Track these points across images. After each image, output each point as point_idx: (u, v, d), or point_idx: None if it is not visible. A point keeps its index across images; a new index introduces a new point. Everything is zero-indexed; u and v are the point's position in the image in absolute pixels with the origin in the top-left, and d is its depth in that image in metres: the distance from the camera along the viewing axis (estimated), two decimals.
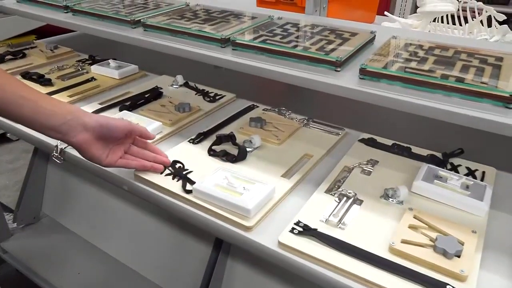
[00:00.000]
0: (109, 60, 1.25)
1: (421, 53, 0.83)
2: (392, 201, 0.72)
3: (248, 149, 0.85)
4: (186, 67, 1.26)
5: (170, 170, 0.79)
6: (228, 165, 0.81)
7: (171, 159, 0.81)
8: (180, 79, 1.16)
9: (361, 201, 0.72)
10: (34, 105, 0.65)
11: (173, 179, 0.77)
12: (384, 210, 0.70)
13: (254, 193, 0.70)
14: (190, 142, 0.88)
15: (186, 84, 1.16)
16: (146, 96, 1.08)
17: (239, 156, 0.82)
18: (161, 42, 0.98)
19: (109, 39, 1.09)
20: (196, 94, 1.11)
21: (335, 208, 0.70)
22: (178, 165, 0.80)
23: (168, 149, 0.86)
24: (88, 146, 0.70)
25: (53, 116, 0.66)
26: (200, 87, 1.14)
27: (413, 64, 0.77)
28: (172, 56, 0.99)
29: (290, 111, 1.01)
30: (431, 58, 0.80)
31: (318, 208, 0.70)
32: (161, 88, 1.13)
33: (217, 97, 1.09)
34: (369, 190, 0.74)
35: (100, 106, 1.02)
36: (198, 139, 0.89)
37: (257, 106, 1.06)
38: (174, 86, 1.16)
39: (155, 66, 1.30)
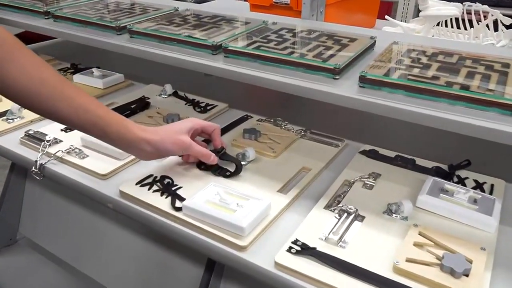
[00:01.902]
0: (92, 69, 1.25)
1: (424, 60, 0.84)
2: (396, 217, 0.72)
3: (242, 163, 0.85)
4: (175, 75, 1.27)
5: (158, 186, 0.79)
6: (221, 180, 0.81)
7: (159, 174, 0.82)
8: (168, 88, 1.17)
9: (363, 217, 0.72)
10: (103, 132, 0.72)
11: (161, 195, 0.77)
12: (388, 227, 0.70)
13: (249, 210, 0.70)
14: (180, 156, 0.89)
15: (175, 94, 1.17)
16: (133, 106, 1.08)
17: (236, 171, 0.82)
18: (149, 50, 0.98)
19: (93, 47, 1.10)
20: (186, 104, 1.12)
21: (335, 225, 0.70)
22: (166, 180, 0.80)
23: (156, 164, 0.86)
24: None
25: (117, 144, 0.75)
26: (190, 96, 1.15)
27: (415, 71, 0.78)
28: (160, 64, 1.00)
29: (286, 122, 1.02)
30: (434, 65, 0.81)
31: (317, 225, 0.70)
32: (149, 98, 1.14)
33: (209, 107, 1.09)
34: (371, 206, 0.75)
35: None
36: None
37: (251, 117, 1.06)
38: (163, 95, 1.16)
39: (142, 75, 1.31)
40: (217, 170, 0.83)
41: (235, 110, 1.11)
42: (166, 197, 0.76)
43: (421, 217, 0.72)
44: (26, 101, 0.68)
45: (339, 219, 0.71)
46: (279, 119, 1.03)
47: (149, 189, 0.78)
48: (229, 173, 0.82)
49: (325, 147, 0.93)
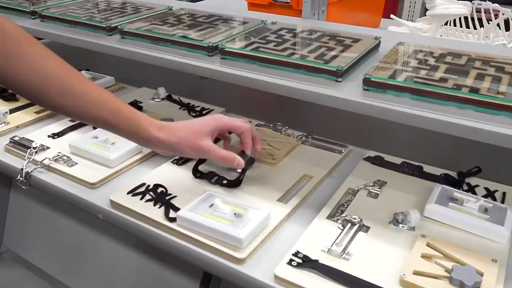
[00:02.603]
0: (81, 71, 1.26)
1: (431, 61, 0.84)
2: (403, 227, 0.72)
3: (239, 170, 0.86)
4: (169, 78, 1.27)
5: (150, 196, 0.79)
6: (217, 188, 0.82)
7: (151, 183, 0.82)
8: (162, 91, 1.17)
9: (368, 228, 0.72)
10: (115, 128, 0.72)
11: (154, 205, 0.77)
12: (394, 238, 0.70)
13: (247, 221, 0.70)
14: (174, 163, 0.89)
15: (169, 98, 1.17)
16: None
17: (236, 182, 0.82)
18: (141, 51, 0.99)
19: (82, 48, 1.11)
20: (180, 108, 1.12)
21: (338, 236, 0.70)
22: (160, 189, 0.81)
23: (148, 172, 0.86)
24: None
25: (131, 140, 0.74)
26: (185, 100, 1.15)
27: (422, 73, 0.78)
28: (153, 67, 1.00)
29: (286, 127, 1.02)
30: (442, 66, 0.81)
31: (319, 236, 0.70)
32: (141, 102, 1.14)
33: (204, 112, 1.10)
34: (376, 215, 0.75)
35: (71, 124, 1.03)
36: (183, 159, 0.90)
37: (249, 122, 1.06)
38: (156, 99, 1.17)
39: (134, 78, 1.32)
40: (213, 178, 0.83)
41: (233, 114, 1.11)
42: (159, 207, 0.76)
43: (429, 227, 0.73)
44: (34, 96, 0.68)
45: (342, 230, 0.71)
46: (279, 124, 1.03)
47: (141, 199, 0.78)
48: (226, 182, 0.82)
49: (328, 154, 0.93)
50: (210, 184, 0.83)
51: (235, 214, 0.72)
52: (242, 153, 0.81)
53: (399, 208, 0.75)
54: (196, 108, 1.11)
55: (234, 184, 0.82)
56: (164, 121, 0.76)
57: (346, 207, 0.77)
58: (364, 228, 0.72)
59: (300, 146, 0.96)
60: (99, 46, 1.06)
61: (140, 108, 1.10)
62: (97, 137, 0.91)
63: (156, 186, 0.81)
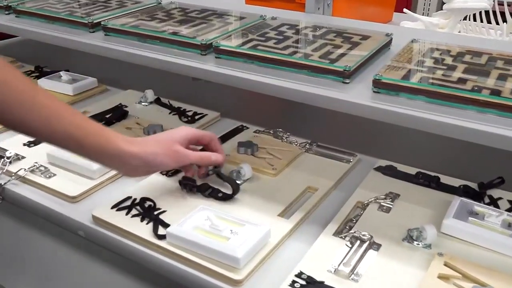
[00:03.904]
0: (60, 72, 1.26)
1: (448, 60, 0.85)
2: (417, 244, 0.73)
3: (236, 182, 0.86)
4: (157, 80, 1.28)
5: (137, 210, 0.79)
6: (211, 202, 0.82)
7: (138, 196, 0.82)
8: (150, 94, 1.18)
9: (379, 246, 0.73)
10: (79, 145, 0.71)
11: (141, 221, 0.77)
12: (408, 256, 0.71)
13: (245, 238, 0.70)
14: (163, 174, 0.89)
15: (157, 101, 1.18)
16: (108, 116, 1.09)
17: (232, 194, 0.82)
18: (126, 50, 0.99)
19: (61, 46, 1.11)
20: (170, 113, 1.13)
21: (346, 255, 0.70)
22: (147, 203, 0.81)
23: (135, 184, 0.86)
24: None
25: (97, 159, 0.74)
26: (175, 104, 1.16)
27: (439, 74, 0.79)
28: (140, 67, 1.01)
29: (288, 133, 1.03)
30: (460, 66, 0.82)
31: (325, 255, 0.70)
32: (126, 106, 1.15)
33: (197, 117, 1.10)
34: (388, 231, 0.75)
35: None
36: (172, 170, 0.90)
37: (247, 127, 1.07)
38: (143, 103, 1.17)
39: (119, 79, 1.32)
40: (207, 191, 0.83)
41: (228, 119, 1.12)
42: (147, 223, 0.77)
43: (446, 245, 0.73)
44: None
45: (351, 248, 0.72)
46: (280, 130, 1.04)
47: (127, 214, 0.79)
48: (222, 195, 0.83)
49: (334, 163, 0.94)
50: (203, 197, 0.83)
51: (231, 230, 0.72)
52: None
53: (413, 223, 0.76)
54: (187, 113, 1.12)
55: (233, 195, 0.82)
56: (132, 137, 0.76)
57: (355, 222, 0.78)
58: (374, 246, 0.72)
59: (304, 154, 0.96)
60: (80, 44, 1.06)
61: (125, 113, 1.10)
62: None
63: (144, 199, 0.81)
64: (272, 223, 0.76)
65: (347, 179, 0.91)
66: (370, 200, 0.82)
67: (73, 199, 0.83)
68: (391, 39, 0.97)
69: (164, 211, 0.79)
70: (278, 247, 0.74)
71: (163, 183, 0.87)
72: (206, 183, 0.85)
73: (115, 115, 1.09)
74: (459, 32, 1.50)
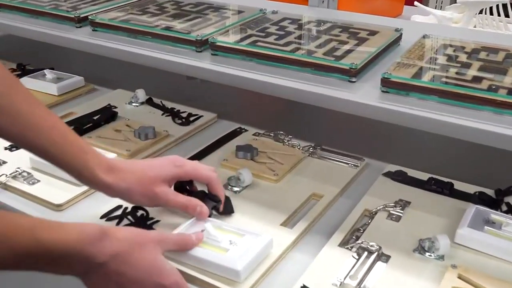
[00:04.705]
0: (44, 71, 1.27)
1: (463, 57, 0.86)
2: (430, 255, 0.73)
3: (235, 189, 0.86)
4: (149, 78, 1.28)
5: (129, 220, 0.79)
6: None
7: (129, 206, 0.81)
8: (141, 94, 1.18)
9: (388, 257, 0.73)
10: (55, 162, 0.71)
11: None
12: (419, 269, 0.71)
13: (245, 249, 0.70)
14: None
15: (149, 101, 1.18)
16: (95, 118, 1.09)
17: (225, 210, 0.81)
18: (116, 46, 1.00)
19: (45, 42, 1.11)
20: (163, 114, 1.13)
21: (353, 267, 0.70)
22: (140, 212, 0.81)
23: None
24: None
25: (78, 180, 0.73)
26: (169, 104, 1.16)
27: (452, 72, 0.79)
28: (130, 65, 1.01)
29: (290, 136, 1.03)
30: (475, 64, 0.82)
31: (330, 267, 0.70)
32: (115, 107, 1.15)
33: (192, 118, 1.11)
34: (398, 242, 0.76)
35: None
36: None
37: (246, 130, 1.07)
38: (133, 104, 1.17)
39: (108, 78, 1.32)
40: (203, 199, 0.81)
41: (226, 121, 1.12)
42: None
43: (461, 256, 0.73)
44: None
45: (357, 259, 0.72)
46: (281, 132, 1.04)
47: (117, 224, 0.79)
48: (214, 206, 0.80)
49: (340, 168, 0.94)
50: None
51: (230, 241, 0.72)
52: (205, 197, 0.80)
53: (425, 233, 0.76)
54: (181, 114, 1.12)
55: (228, 211, 0.81)
56: (117, 160, 0.77)
57: (362, 232, 0.78)
58: (383, 257, 0.73)
59: (307, 159, 0.97)
60: (66, 40, 1.06)
61: (114, 114, 1.11)
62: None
63: (135, 208, 0.81)
64: (275, 232, 0.76)
65: (354, 185, 0.91)
66: (378, 208, 0.82)
67: (58, 207, 0.83)
68: (401, 34, 0.97)
69: (157, 221, 0.79)
70: (281, 258, 0.74)
71: None
72: (203, 190, 0.83)
73: (103, 117, 1.09)
74: (475, 27, 1.50)
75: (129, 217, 0.80)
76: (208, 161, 0.95)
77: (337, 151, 0.98)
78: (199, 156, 0.96)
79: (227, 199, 0.82)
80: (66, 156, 0.71)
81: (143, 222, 0.79)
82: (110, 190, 0.74)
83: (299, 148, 0.99)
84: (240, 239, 0.72)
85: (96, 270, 0.61)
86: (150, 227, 0.78)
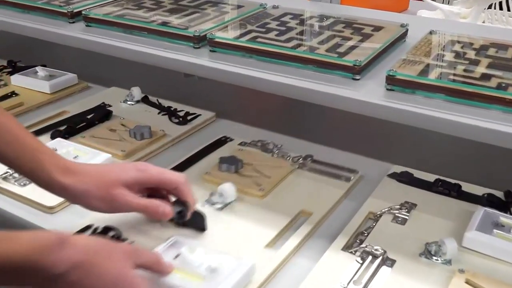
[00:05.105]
0: (36, 68, 1.27)
1: (471, 54, 0.86)
2: (436, 260, 0.73)
3: (217, 206, 0.83)
4: (145, 76, 1.28)
5: None
6: (186, 231, 0.78)
7: (101, 224, 0.78)
8: (136, 92, 1.18)
9: (393, 261, 0.73)
10: (13, 166, 0.72)
11: None
12: (425, 273, 0.71)
13: (223, 276, 0.67)
14: None
15: (145, 100, 1.18)
16: (89, 117, 1.09)
17: (194, 224, 0.78)
18: (110, 42, 1.00)
19: (37, 38, 1.11)
20: (159, 113, 1.13)
21: (356, 272, 0.70)
22: (111, 233, 0.77)
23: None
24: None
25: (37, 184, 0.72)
26: (165, 103, 1.16)
27: (460, 70, 0.79)
28: (125, 62, 1.01)
29: (279, 145, 1.00)
30: (484, 61, 0.82)
31: (332, 272, 0.71)
32: (110, 106, 1.15)
33: (189, 117, 1.11)
34: (403, 246, 0.76)
35: None
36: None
37: (231, 139, 1.04)
38: (129, 102, 1.17)
39: (102, 75, 1.32)
40: (178, 215, 0.77)
41: (224, 120, 1.12)
42: None
43: (468, 260, 0.73)
44: None
45: (362, 264, 0.72)
46: (269, 142, 1.01)
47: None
48: (180, 211, 0.76)
49: (332, 182, 0.91)
50: (177, 225, 0.79)
51: (209, 267, 0.68)
52: (175, 203, 0.76)
53: (431, 236, 0.76)
54: (179, 113, 1.12)
55: (198, 226, 0.79)
56: (75, 163, 0.75)
57: (367, 235, 0.78)
58: (388, 261, 0.73)
59: (296, 172, 0.94)
60: (59, 36, 1.06)
61: (109, 113, 1.11)
62: (56, 149, 0.92)
63: (107, 228, 0.78)
64: (258, 256, 0.73)
65: (358, 187, 0.91)
66: (383, 210, 0.83)
67: (50, 210, 0.83)
68: (407, 30, 0.97)
69: (131, 242, 0.76)
70: (265, 285, 0.71)
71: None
72: (182, 208, 0.78)
73: (97, 116, 1.09)
74: (483, 22, 1.50)
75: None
76: (189, 174, 0.91)
77: (329, 163, 0.96)
78: (179, 168, 0.93)
79: (200, 214, 0.79)
80: (20, 157, 0.70)
81: None
82: (67, 193, 0.72)
83: (288, 159, 0.96)
84: (219, 264, 0.69)
85: (55, 282, 0.57)
86: None
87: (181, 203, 0.76)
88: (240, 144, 1.02)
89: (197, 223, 0.79)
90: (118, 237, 0.77)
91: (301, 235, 0.79)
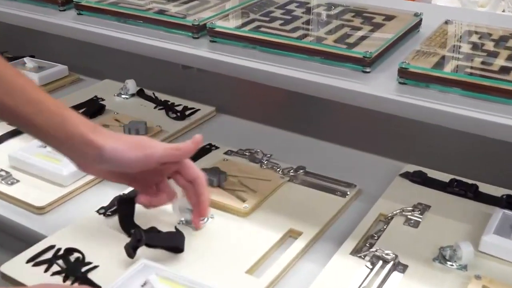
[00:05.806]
0: (24, 59, 1.27)
1: (489, 45, 0.85)
2: (451, 265, 0.73)
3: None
4: (140, 68, 1.28)
5: (59, 266, 0.73)
6: (158, 254, 0.74)
7: (63, 245, 0.76)
8: (131, 85, 1.18)
9: (405, 267, 0.73)
10: (30, 124, 0.69)
11: (64, 281, 0.71)
12: (439, 279, 0.71)
13: None
14: (100, 213, 0.83)
15: (140, 93, 1.18)
16: (81, 111, 1.09)
17: (171, 245, 0.76)
18: (103, 32, 0.99)
19: (25, 28, 1.11)
20: (155, 107, 1.13)
21: (366, 277, 0.71)
22: (75, 255, 0.75)
23: (104, 195, 0.85)
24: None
25: (54, 144, 0.71)
26: (162, 97, 1.16)
27: (477, 62, 0.79)
28: (119, 53, 1.01)
29: (269, 155, 0.98)
30: (503, 53, 0.82)
31: (341, 278, 0.71)
32: (103, 100, 1.15)
33: (188, 112, 1.11)
34: (416, 250, 0.76)
35: (11, 128, 1.03)
36: (113, 208, 0.83)
37: (216, 147, 1.02)
38: (123, 95, 1.18)
39: (94, 67, 1.33)
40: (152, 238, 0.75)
41: (225, 115, 1.12)
42: (71, 284, 0.70)
43: (485, 266, 0.73)
44: None
45: (371, 269, 0.72)
46: (257, 151, 0.99)
47: (46, 271, 0.73)
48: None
49: (326, 197, 0.89)
50: (149, 246, 0.75)
51: None
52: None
53: (446, 240, 0.76)
54: (176, 108, 1.12)
55: (177, 248, 0.76)
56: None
57: (377, 239, 0.78)
58: (400, 266, 0.73)
59: (287, 185, 0.91)
60: (49, 25, 1.06)
61: (102, 107, 1.11)
62: (45, 146, 0.92)
63: (69, 250, 0.76)
64: (237, 284, 0.71)
65: (367, 187, 0.91)
66: (395, 212, 0.83)
67: (40, 210, 0.84)
68: (421, 19, 0.97)
69: (95, 267, 0.73)
70: None
71: (98, 226, 0.81)
72: (154, 227, 0.79)
73: (89, 110, 1.10)
74: (503, 11, 1.50)
75: (60, 261, 0.74)
76: None
77: (324, 176, 0.94)
78: None
79: (179, 233, 0.77)
80: (41, 114, 0.68)
81: (77, 268, 0.73)
82: (93, 147, 0.69)
83: (278, 171, 0.94)
84: None
85: None
86: (85, 276, 0.72)
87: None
88: (226, 153, 1.00)
89: (173, 243, 0.76)
90: (81, 260, 0.74)
91: (287, 259, 0.76)
